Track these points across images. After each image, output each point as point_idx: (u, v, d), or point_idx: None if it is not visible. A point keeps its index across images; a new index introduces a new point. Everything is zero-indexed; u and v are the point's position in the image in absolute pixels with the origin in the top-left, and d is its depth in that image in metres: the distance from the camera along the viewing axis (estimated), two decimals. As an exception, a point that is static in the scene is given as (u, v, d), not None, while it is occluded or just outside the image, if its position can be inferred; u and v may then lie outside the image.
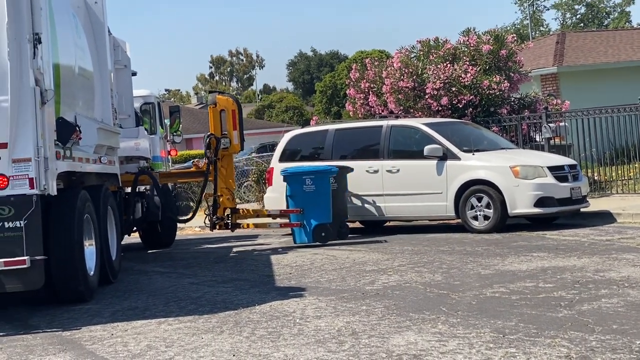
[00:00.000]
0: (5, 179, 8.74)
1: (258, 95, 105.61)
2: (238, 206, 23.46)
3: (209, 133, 15.01)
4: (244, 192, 25.77)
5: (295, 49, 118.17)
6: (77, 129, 10.09)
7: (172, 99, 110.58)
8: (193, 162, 16.22)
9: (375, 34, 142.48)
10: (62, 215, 9.68)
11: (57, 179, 9.69)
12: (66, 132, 9.71)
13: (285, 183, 14.86)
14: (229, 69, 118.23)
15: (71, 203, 9.85)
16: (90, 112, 12.10)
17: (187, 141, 56.10)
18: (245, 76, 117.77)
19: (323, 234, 14.42)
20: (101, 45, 13.10)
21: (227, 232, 19.62)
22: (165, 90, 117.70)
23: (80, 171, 10.74)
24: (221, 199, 15.10)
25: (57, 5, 10.58)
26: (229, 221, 15.20)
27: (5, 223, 8.69)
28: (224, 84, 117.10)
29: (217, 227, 15.25)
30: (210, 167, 14.91)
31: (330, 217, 14.49)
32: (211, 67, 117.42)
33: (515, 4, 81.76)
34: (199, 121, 58.98)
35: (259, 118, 75.08)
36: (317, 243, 14.30)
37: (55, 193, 9.21)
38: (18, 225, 8.70)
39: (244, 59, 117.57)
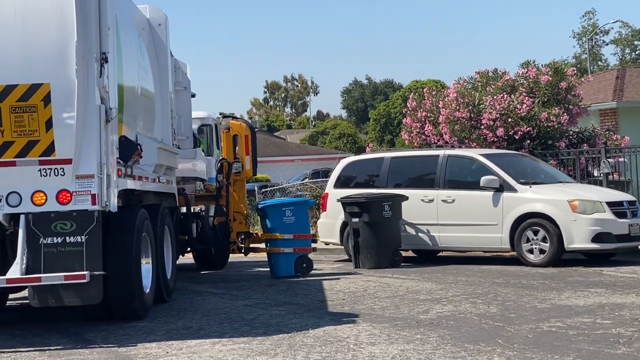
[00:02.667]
0: (69, 194, 8.88)
1: (312, 122, 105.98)
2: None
3: (220, 158, 15.09)
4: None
5: (350, 77, 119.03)
6: (139, 147, 10.22)
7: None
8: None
9: (431, 64, 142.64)
10: (121, 232, 9.79)
11: (117, 196, 9.84)
12: (128, 150, 9.85)
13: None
14: (283, 94, 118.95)
15: (130, 221, 9.96)
16: (151, 132, 12.26)
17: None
18: (299, 102, 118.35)
19: (304, 265, 14.44)
20: (163, 66, 13.29)
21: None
22: (220, 114, 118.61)
23: (140, 189, 10.87)
24: (233, 223, 15.11)
25: (123, 25, 10.79)
26: (243, 245, 15.24)
27: (67, 237, 8.82)
28: (277, 109, 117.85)
29: (230, 251, 15.28)
30: (222, 192, 14.90)
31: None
32: (266, 92, 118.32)
33: (574, 38, 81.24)
34: (253, 145, 59.40)
35: (312, 144, 75.35)
36: (365, 269, 14.33)
37: (116, 210, 9.33)
38: (79, 240, 8.83)
39: (299, 85, 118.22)
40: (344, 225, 16.24)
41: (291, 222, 14.48)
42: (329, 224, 16.88)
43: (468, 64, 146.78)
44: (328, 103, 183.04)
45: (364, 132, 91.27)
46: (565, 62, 65.34)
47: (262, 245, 15.35)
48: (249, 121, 17.24)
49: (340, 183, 17.03)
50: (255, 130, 15.59)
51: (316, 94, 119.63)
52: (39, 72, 8.79)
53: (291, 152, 61.19)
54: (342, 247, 16.84)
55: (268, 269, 15.26)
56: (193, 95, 16.44)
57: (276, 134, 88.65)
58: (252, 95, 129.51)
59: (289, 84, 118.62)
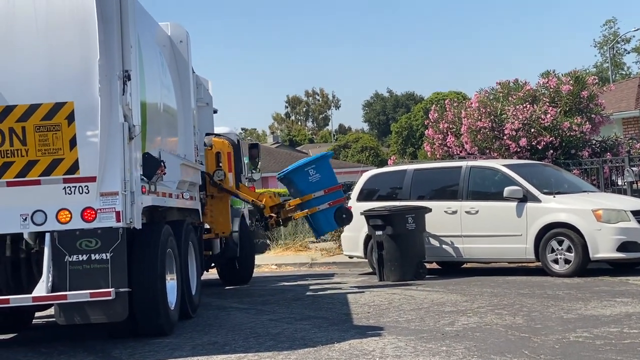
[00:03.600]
0: (93, 212, 8.93)
1: (334, 135, 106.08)
2: (312, 245, 23.68)
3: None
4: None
5: (371, 90, 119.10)
6: (162, 164, 10.27)
7: (249, 138, 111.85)
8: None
9: (452, 76, 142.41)
10: (146, 248, 9.83)
11: (142, 213, 9.89)
12: (152, 167, 9.89)
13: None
14: (304, 108, 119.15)
15: (155, 237, 10.00)
16: (174, 149, 12.31)
17: (262, 180, 56.62)
18: (320, 116, 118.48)
19: (344, 216, 14.73)
20: (185, 83, 13.36)
21: (303, 270, 19.76)
22: (242, 129, 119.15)
23: (164, 206, 10.91)
24: (263, 201, 15.17)
25: (145, 43, 10.86)
26: (280, 218, 15.26)
27: (92, 255, 8.86)
28: (299, 123, 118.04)
29: (270, 226, 15.33)
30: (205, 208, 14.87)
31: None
32: (287, 107, 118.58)
33: (595, 47, 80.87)
34: (275, 160, 59.46)
35: (334, 158, 75.30)
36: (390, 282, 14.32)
37: (140, 227, 9.37)
38: (104, 257, 8.87)
39: (320, 99, 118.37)
40: (368, 238, 16.22)
41: (318, 179, 14.56)
42: (353, 237, 16.87)
43: (489, 75, 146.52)
44: (350, 116, 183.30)
45: (386, 145, 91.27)
46: (587, 71, 65.13)
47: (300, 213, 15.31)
48: (232, 138, 17.16)
49: (363, 196, 17.02)
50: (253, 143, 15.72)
51: (337, 108, 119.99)
52: (62, 91, 8.85)
53: (313, 167, 61.07)
54: (366, 260, 16.82)
55: (293, 283, 15.30)
56: (215, 111, 16.53)
57: (298, 148, 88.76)
58: (273, 110, 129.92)
59: (310, 98, 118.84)
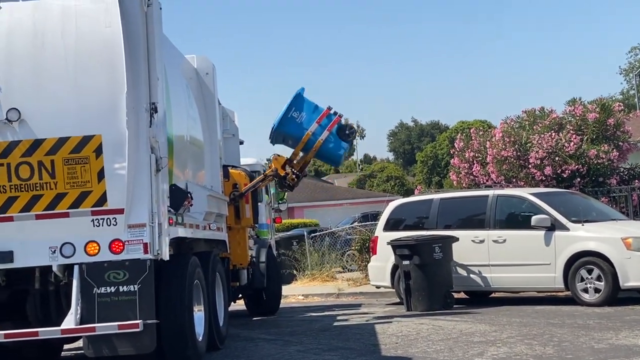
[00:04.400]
0: (121, 244, 8.95)
1: (359, 165, 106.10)
2: (339, 275, 23.63)
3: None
4: (347, 261, 25.81)
5: (396, 119, 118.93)
6: (189, 195, 10.30)
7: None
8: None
9: (477, 104, 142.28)
10: (173, 280, 9.85)
11: (169, 244, 9.91)
12: (179, 198, 9.93)
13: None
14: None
15: (182, 269, 10.02)
16: (201, 180, 12.38)
17: (289, 210, 56.68)
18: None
19: (347, 132, 14.70)
20: (211, 115, 13.46)
21: (330, 300, 19.69)
22: (267, 160, 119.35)
23: (191, 237, 10.93)
24: (271, 167, 15.01)
25: (172, 76, 10.97)
26: (295, 170, 14.82)
27: (120, 287, 8.87)
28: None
29: (292, 182, 14.93)
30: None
31: None
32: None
33: (621, 74, 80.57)
34: (301, 190, 59.49)
35: (360, 187, 75.36)
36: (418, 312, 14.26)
37: (168, 258, 9.37)
38: (132, 289, 8.87)
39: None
40: (395, 268, 16.15)
41: (304, 117, 14.56)
42: (380, 267, 16.81)
43: (513, 103, 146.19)
44: (375, 146, 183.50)
45: (412, 174, 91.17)
46: (613, 98, 64.86)
47: None
48: (257, 169, 17.13)
49: (390, 226, 16.98)
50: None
51: (362, 138, 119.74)
52: (90, 124, 8.90)
53: (339, 196, 61.22)
54: (394, 290, 16.73)
55: (320, 314, 15.19)
56: (241, 142, 16.63)
57: (324, 178, 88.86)
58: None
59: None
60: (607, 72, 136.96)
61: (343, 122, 14.78)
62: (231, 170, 15.04)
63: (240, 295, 16.67)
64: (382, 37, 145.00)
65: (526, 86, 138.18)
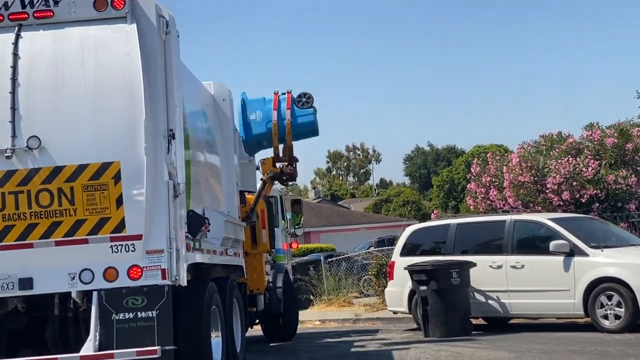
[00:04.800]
0: (139, 270, 8.97)
1: (375, 190, 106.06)
2: (356, 300, 23.58)
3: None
4: (363, 286, 25.74)
5: (412, 144, 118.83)
6: (206, 221, 10.32)
7: (290, 193, 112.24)
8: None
9: (493, 129, 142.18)
10: (190, 306, 9.84)
11: (187, 270, 9.92)
12: (196, 224, 9.95)
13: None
14: (345, 163, 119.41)
15: (199, 294, 10.02)
16: (217, 205, 12.41)
17: (305, 235, 56.68)
18: (361, 170, 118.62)
19: (304, 99, 14.63)
20: (228, 140, 13.50)
21: (347, 326, 19.63)
22: (282, 186, 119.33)
23: (208, 263, 10.94)
24: (263, 167, 15.02)
25: (189, 102, 11.03)
26: (287, 162, 15.00)
27: (138, 313, 8.88)
28: (340, 178, 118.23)
29: (290, 174, 15.09)
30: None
31: None
32: (328, 162, 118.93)
33: (639, 98, 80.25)
34: (317, 215, 59.55)
35: (376, 212, 75.25)
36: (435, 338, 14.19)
37: (185, 284, 9.38)
38: (150, 315, 8.88)
39: (361, 154, 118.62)
40: (412, 294, 16.08)
41: (261, 114, 14.62)
42: (397, 293, 16.75)
43: (530, 127, 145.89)
44: (390, 171, 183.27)
45: (428, 198, 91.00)
46: (631, 122, 64.48)
47: None
48: (274, 194, 17.15)
49: (407, 251, 16.94)
50: (294, 198, 15.51)
51: (378, 162, 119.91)
52: (109, 151, 8.95)
53: (355, 221, 61.18)
54: (411, 315, 16.66)
55: (337, 340, 15.13)
56: (257, 168, 16.65)
57: (340, 203, 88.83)
58: (315, 165, 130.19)
59: (350, 153, 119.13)
60: (626, 97, 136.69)
61: (295, 95, 14.60)
62: (248, 196, 15.07)
63: (257, 321, 16.65)
64: (397, 62, 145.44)
65: (543, 110, 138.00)
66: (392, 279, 17.01)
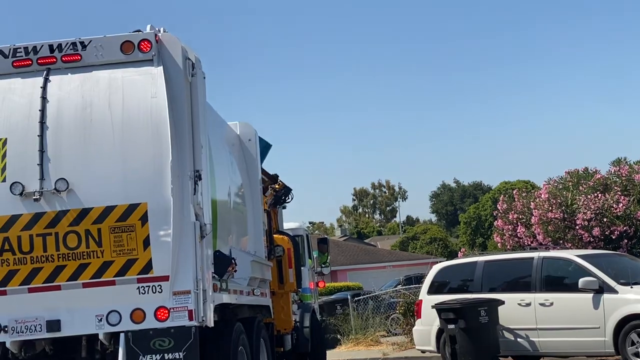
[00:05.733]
0: (166, 311, 8.97)
1: (401, 227, 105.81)
2: (383, 339, 23.41)
3: None
4: (391, 325, 25.60)
5: (438, 180, 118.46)
6: (233, 261, 10.33)
7: (316, 231, 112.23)
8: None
9: (519, 164, 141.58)
10: (218, 347, 9.84)
11: (214, 311, 9.92)
12: (223, 264, 9.96)
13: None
14: (371, 201, 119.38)
15: (227, 335, 10.02)
16: (244, 245, 12.41)
17: (332, 273, 56.57)
18: (387, 208, 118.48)
19: None
20: (254, 180, 13.53)
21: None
22: (310, 222, 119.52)
23: (235, 303, 10.93)
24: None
25: (215, 143, 11.09)
26: None
27: (165, 354, 8.87)
28: (367, 216, 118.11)
29: None
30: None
31: None
32: (354, 200, 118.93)
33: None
34: (343, 253, 59.39)
35: (403, 250, 74.95)
36: None
37: (213, 325, 9.37)
38: (177, 357, 8.86)
39: (387, 191, 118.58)
40: (440, 332, 15.96)
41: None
42: (425, 331, 16.63)
43: (556, 162, 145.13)
44: (417, 208, 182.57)
45: (455, 235, 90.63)
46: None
47: None
48: (300, 233, 17.10)
49: (434, 289, 16.84)
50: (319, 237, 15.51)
51: (404, 199, 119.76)
52: (136, 192, 9.01)
53: (382, 259, 60.96)
54: (439, 354, 16.51)
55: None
56: (284, 207, 16.68)
57: (366, 240, 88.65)
58: (341, 203, 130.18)
59: (376, 190, 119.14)
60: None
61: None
62: (275, 235, 15.07)
63: (285, 361, 16.57)
64: (421, 99, 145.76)
65: (569, 146, 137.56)
66: (420, 317, 16.89)
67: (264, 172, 14.70)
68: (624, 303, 14.15)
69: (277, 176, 15.22)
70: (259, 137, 14.15)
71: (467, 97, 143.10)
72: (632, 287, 14.31)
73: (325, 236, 18.12)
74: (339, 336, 24.64)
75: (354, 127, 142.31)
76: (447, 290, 16.66)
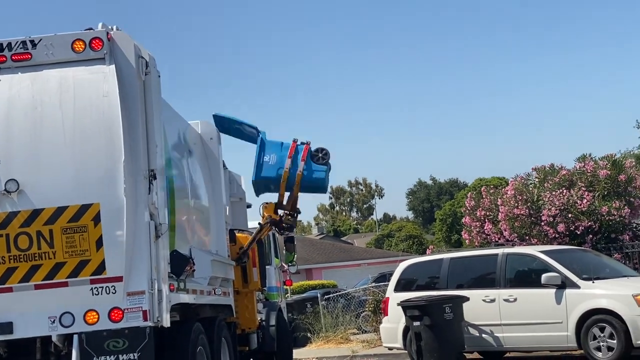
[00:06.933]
0: (120, 312, 8.93)
1: (378, 225, 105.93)
2: (354, 337, 23.41)
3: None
4: (362, 322, 25.61)
5: (414, 178, 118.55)
6: (191, 261, 10.29)
7: (294, 229, 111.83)
8: None
9: (495, 161, 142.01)
10: (176, 347, 9.80)
11: (174, 311, 9.87)
12: (180, 264, 9.92)
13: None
14: (348, 199, 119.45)
15: (185, 336, 9.98)
16: (205, 245, 12.37)
17: (307, 271, 56.50)
18: (364, 206, 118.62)
19: (320, 155, 14.20)
20: (216, 179, 13.48)
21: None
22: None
23: (194, 303, 10.88)
24: (264, 217, 14.67)
25: (172, 142, 11.04)
26: (288, 211, 14.61)
27: (120, 355, 8.84)
28: (344, 213, 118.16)
29: (288, 224, 14.70)
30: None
31: None
32: (331, 198, 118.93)
33: (639, 128, 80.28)
34: (319, 251, 59.38)
35: (378, 247, 75.05)
36: None
37: (169, 325, 9.33)
38: (132, 357, 8.84)
39: (364, 189, 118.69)
40: (407, 329, 15.96)
41: (276, 158, 14.15)
42: (391, 329, 16.64)
43: (532, 159, 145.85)
44: (394, 205, 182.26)
45: (431, 232, 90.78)
46: (631, 152, 64.45)
47: None
48: (261, 239, 16.94)
49: (401, 286, 16.85)
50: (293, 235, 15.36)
51: (381, 197, 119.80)
52: (88, 193, 8.96)
53: (358, 257, 60.96)
54: (406, 351, 16.55)
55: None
56: (249, 206, 16.62)
57: (343, 238, 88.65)
58: (318, 202, 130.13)
59: (353, 188, 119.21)
60: (625, 127, 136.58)
61: (313, 148, 14.35)
62: (238, 234, 15.01)
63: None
64: (398, 97, 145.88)
65: (544, 143, 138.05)
66: (387, 315, 16.91)
67: (295, 199, 14.44)
68: (586, 298, 14.21)
69: (299, 212, 15.02)
70: (326, 168, 14.10)
71: (444, 95, 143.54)
72: (594, 282, 14.38)
73: (292, 235, 18.07)
74: (309, 334, 24.63)
75: (330, 124, 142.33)
76: (414, 288, 16.67)
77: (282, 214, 14.53)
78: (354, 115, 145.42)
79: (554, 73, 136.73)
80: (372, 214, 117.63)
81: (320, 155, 14.29)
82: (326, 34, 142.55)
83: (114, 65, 9.31)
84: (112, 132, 9.10)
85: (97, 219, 8.93)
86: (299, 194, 14.47)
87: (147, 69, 9.59)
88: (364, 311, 25.25)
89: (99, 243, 8.92)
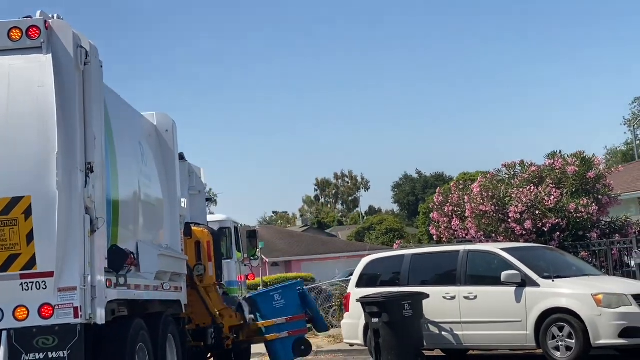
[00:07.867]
0: (51, 308, 8.68)
1: (363, 217, 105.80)
2: (321, 332, 23.17)
3: None
4: (332, 317, 25.43)
5: (400, 171, 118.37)
6: (132, 256, 10.05)
7: (280, 221, 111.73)
8: None
9: (480, 155, 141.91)
10: (113, 345, 9.55)
11: (121, 306, 9.63)
12: (119, 259, 9.68)
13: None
14: (334, 191, 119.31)
15: (123, 332, 9.72)
16: (157, 238, 12.11)
17: (286, 264, 56.36)
18: (350, 198, 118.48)
19: (302, 347, 14.56)
20: (171, 172, 13.22)
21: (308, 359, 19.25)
22: (273, 212, 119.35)
23: (135, 298, 10.63)
24: (224, 319, 14.72)
25: (119, 133, 10.76)
26: (238, 340, 14.91)
27: (49, 353, 8.60)
28: (329, 206, 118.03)
29: (226, 346, 14.81)
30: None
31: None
32: (317, 190, 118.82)
33: (625, 125, 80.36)
34: (299, 244, 59.21)
35: (359, 240, 74.89)
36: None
37: (104, 322, 9.09)
38: (61, 355, 8.60)
39: (349, 181, 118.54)
40: (367, 326, 15.80)
41: (282, 306, 14.53)
42: (352, 325, 16.48)
43: (516, 153, 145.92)
44: (379, 198, 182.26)
45: (416, 226, 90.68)
46: (617, 149, 64.35)
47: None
48: (228, 225, 16.87)
49: (363, 282, 16.69)
50: (252, 229, 15.35)
51: (367, 190, 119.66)
52: (19, 185, 8.69)
53: (338, 250, 60.82)
54: (367, 348, 16.37)
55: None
56: (209, 199, 16.41)
57: (327, 230, 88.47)
58: (303, 193, 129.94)
59: (339, 180, 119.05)
60: (612, 123, 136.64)
61: (304, 336, 14.85)
62: (194, 228, 14.78)
63: (210, 355, 16.31)
64: (385, 90, 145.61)
65: (529, 136, 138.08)
66: (349, 311, 16.74)
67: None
68: (545, 297, 14.07)
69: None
70: None
71: (431, 89, 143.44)
72: (554, 281, 14.24)
73: (255, 229, 17.83)
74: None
75: (316, 116, 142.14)
76: (376, 284, 16.49)
77: (231, 335, 14.80)
78: (340, 107, 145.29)
79: (546, 66, 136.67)
80: (357, 207, 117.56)
81: (303, 347, 14.69)
82: (314, 30, 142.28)
83: (51, 55, 9.05)
84: (46, 123, 8.83)
85: (28, 212, 8.67)
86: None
87: (87, 58, 9.32)
88: (332, 306, 25.07)
89: (30, 237, 8.65)
